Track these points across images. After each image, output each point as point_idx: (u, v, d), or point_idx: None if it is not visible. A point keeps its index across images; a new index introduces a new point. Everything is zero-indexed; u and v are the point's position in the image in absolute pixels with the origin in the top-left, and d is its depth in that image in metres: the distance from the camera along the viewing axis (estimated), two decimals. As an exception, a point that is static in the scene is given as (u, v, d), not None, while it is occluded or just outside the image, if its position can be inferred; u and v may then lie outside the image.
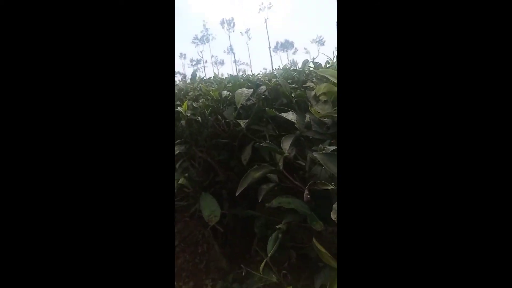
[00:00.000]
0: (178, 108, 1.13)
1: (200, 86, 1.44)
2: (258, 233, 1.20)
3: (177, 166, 1.12)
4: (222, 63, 61.24)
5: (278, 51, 55.73)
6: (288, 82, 1.33)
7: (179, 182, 1.13)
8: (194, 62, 58.10)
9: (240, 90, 1.08)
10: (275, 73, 1.60)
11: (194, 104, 1.19)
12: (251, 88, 1.15)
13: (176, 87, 1.52)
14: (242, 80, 1.51)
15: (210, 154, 1.20)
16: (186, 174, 1.18)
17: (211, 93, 1.22)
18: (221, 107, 1.18)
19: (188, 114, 1.13)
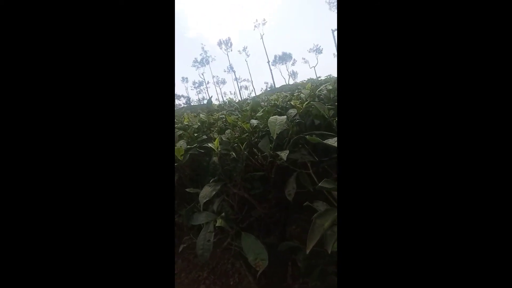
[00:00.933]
0: (209, 144, 1.06)
1: (224, 116, 1.38)
2: (302, 265, 1.09)
3: (214, 207, 1.04)
4: (223, 82, 62.55)
5: (277, 64, 56.66)
6: (317, 101, 1.26)
7: (217, 225, 1.04)
8: (196, 84, 59.57)
9: (273, 119, 1.00)
10: (301, 93, 1.53)
11: (223, 138, 1.12)
12: (281, 115, 1.08)
13: (198, 120, 1.47)
14: (263, 103, 1.45)
15: (245, 189, 1.11)
16: (223, 214, 1.10)
17: (239, 123, 1.15)
18: (252, 138, 1.10)
19: (219, 150, 1.06)
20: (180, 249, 1.41)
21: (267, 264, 0.96)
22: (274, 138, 0.95)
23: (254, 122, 1.12)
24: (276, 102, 1.32)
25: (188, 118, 1.62)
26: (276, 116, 1.03)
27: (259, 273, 1.04)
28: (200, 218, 1.10)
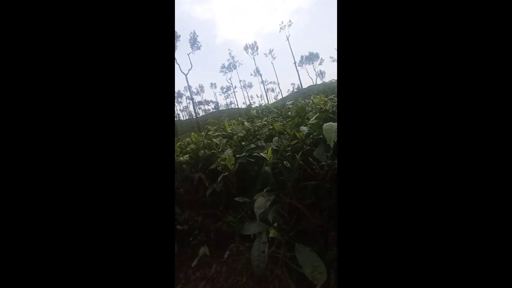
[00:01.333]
0: (260, 153, 1.04)
1: (270, 123, 1.35)
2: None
3: (269, 217, 1.02)
4: (250, 85, 63.28)
5: (303, 65, 55.85)
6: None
7: (270, 235, 1.02)
8: (224, 89, 61.00)
9: (328, 126, 0.95)
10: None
11: (273, 146, 1.10)
12: (333, 120, 1.03)
13: (243, 128, 1.47)
14: (308, 107, 1.40)
15: (298, 199, 1.08)
16: (275, 224, 1.07)
17: (288, 130, 1.12)
18: (304, 146, 1.07)
19: (271, 159, 1.04)
20: (226, 256, 1.41)
21: (325, 279, 0.91)
22: (332, 146, 0.90)
23: (305, 129, 1.08)
24: (324, 107, 1.26)
25: (229, 125, 1.62)
26: (331, 123, 0.98)
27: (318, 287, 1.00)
28: (252, 228, 1.09)
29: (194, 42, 28.53)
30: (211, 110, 59.81)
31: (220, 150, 1.10)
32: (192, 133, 1.22)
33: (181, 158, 1.08)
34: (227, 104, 64.16)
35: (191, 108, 58.23)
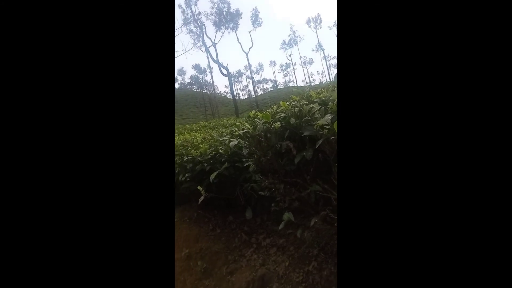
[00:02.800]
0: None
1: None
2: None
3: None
4: (311, 62, 60.10)
5: (374, 36, 49.32)
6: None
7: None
8: (283, 67, 59.63)
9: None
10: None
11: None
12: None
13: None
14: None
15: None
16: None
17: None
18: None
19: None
20: (312, 223, 1.39)
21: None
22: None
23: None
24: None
25: (316, 94, 1.51)
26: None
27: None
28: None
29: (255, 19, 28.23)
30: (269, 89, 59.70)
31: (315, 117, 1.06)
32: (282, 102, 1.20)
33: (274, 125, 1.08)
34: (285, 82, 62.91)
35: (250, 87, 59.30)
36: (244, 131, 1.26)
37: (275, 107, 1.30)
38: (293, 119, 1.08)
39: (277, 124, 1.08)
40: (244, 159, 1.67)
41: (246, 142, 1.37)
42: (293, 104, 1.18)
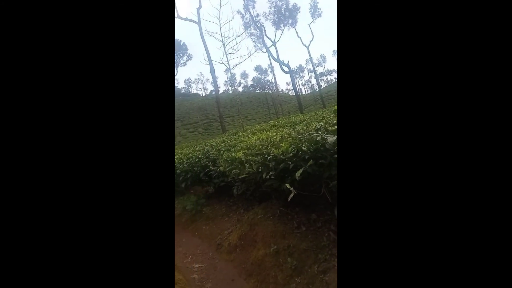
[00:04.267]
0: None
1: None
2: None
3: None
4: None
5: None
6: None
7: None
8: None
9: None
10: None
11: None
12: None
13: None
14: None
15: None
16: None
17: None
18: None
19: None
20: None
21: None
22: None
23: None
24: None
25: None
26: None
27: None
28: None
29: (314, 10, 27.10)
30: (334, 80, 56.39)
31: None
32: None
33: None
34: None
35: (313, 81, 57.31)
36: (336, 127, 1.20)
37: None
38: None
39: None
40: (329, 157, 1.60)
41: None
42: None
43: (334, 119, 1.51)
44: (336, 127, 1.25)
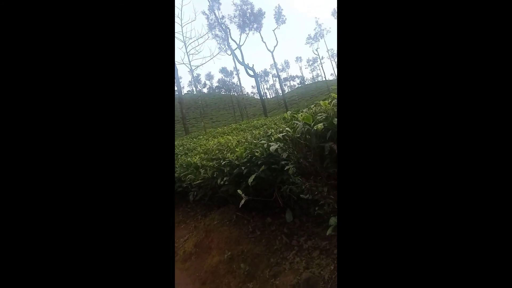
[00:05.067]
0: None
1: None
2: None
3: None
4: (339, 54, 57.56)
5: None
6: None
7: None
8: (310, 62, 58.21)
9: None
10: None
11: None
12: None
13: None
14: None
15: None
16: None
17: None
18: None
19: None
20: None
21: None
22: None
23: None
24: None
25: None
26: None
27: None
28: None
29: (279, 17, 27.96)
30: (297, 86, 58.68)
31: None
32: (322, 101, 1.16)
33: (316, 127, 1.05)
34: (313, 77, 61.34)
35: (277, 85, 58.90)
36: (283, 134, 1.24)
37: (312, 106, 1.26)
38: (336, 119, 1.03)
39: (320, 125, 1.04)
40: (282, 162, 1.65)
41: (285, 145, 1.35)
42: (333, 103, 1.13)
43: (281, 126, 1.57)
44: (280, 135, 1.30)
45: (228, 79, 47.66)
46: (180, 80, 14.03)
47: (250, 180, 1.65)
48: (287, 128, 1.20)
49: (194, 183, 2.33)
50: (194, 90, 51.35)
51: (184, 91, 48.13)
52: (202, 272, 2.11)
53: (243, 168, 1.86)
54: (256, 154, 1.82)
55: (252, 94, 59.82)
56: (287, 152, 1.30)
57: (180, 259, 2.44)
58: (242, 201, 1.52)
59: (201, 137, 6.12)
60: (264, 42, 27.13)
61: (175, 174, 2.76)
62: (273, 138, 1.63)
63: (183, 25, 13.78)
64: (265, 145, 1.53)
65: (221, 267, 1.99)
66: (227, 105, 38.36)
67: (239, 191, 1.58)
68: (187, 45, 11.64)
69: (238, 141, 2.42)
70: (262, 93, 27.26)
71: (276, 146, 1.30)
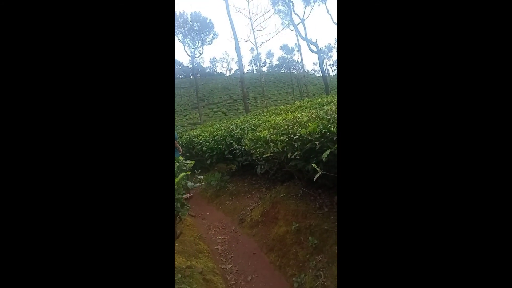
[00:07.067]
0: None
1: None
2: None
3: None
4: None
5: None
6: None
7: None
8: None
9: None
10: None
11: None
12: None
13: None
14: None
15: None
16: None
17: None
18: None
19: None
20: None
21: None
22: None
23: None
24: None
25: None
26: None
27: None
28: None
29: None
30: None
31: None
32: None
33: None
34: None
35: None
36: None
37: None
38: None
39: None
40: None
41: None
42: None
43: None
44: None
45: (288, 56, 46.25)
46: (242, 59, 14.28)
47: (324, 155, 1.61)
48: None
49: (263, 156, 2.42)
50: (254, 69, 51.75)
51: (245, 70, 49.02)
52: (269, 240, 2.24)
53: (316, 143, 1.82)
54: (332, 129, 1.75)
55: (313, 72, 56.93)
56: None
57: (247, 225, 2.63)
58: (317, 175, 1.51)
59: (264, 114, 6.21)
60: (330, 14, 24.92)
61: (245, 147, 2.90)
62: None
63: (249, 0, 13.37)
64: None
65: (288, 237, 2.07)
66: (285, 84, 37.65)
67: (313, 165, 1.57)
68: (252, 22, 11.58)
69: (308, 117, 2.36)
70: (324, 70, 25.64)
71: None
